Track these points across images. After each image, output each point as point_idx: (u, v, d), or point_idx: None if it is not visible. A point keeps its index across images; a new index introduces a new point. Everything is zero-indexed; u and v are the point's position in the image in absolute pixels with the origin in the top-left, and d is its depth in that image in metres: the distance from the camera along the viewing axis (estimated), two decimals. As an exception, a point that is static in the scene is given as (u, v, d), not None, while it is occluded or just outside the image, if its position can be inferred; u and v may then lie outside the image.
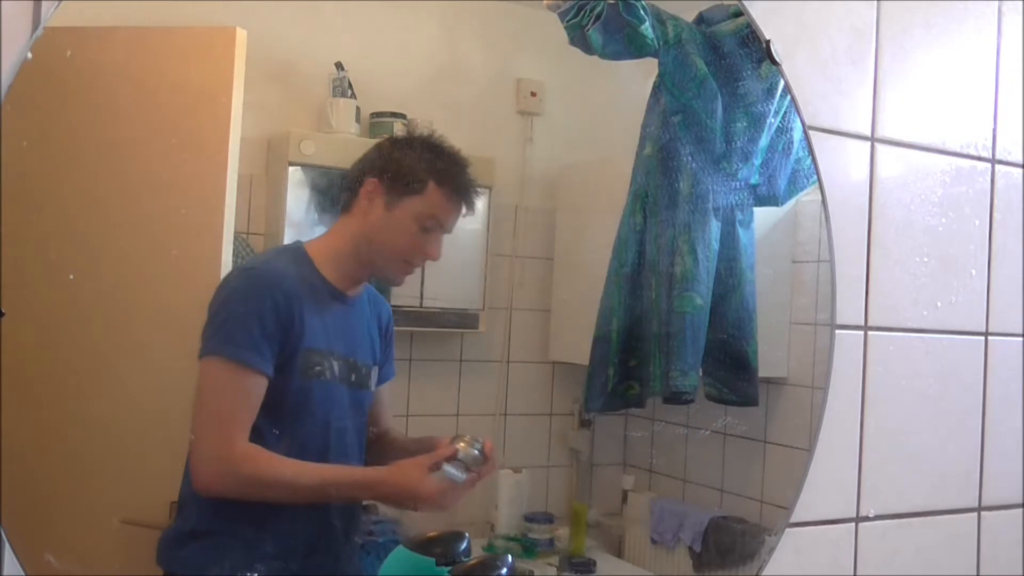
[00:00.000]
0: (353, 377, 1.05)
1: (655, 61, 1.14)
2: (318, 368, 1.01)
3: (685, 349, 1.14)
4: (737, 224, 1.17)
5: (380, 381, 1.08)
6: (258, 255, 1.04)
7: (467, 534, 1.00)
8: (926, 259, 1.19)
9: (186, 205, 0.95)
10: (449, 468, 1.01)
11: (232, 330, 0.96)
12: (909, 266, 1.18)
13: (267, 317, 0.97)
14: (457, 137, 1.10)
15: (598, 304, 1.18)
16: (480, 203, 1.18)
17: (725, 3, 1.14)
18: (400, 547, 0.99)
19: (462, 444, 1.02)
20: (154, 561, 0.93)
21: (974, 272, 1.24)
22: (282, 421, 0.97)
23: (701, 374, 1.17)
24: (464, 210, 1.06)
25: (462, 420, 1.17)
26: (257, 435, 0.95)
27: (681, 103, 1.16)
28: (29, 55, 0.73)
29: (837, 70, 1.13)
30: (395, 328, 1.12)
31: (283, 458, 0.97)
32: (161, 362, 0.97)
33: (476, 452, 1.02)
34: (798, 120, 1.09)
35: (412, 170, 1.04)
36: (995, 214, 1.26)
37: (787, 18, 1.09)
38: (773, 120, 1.15)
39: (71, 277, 0.84)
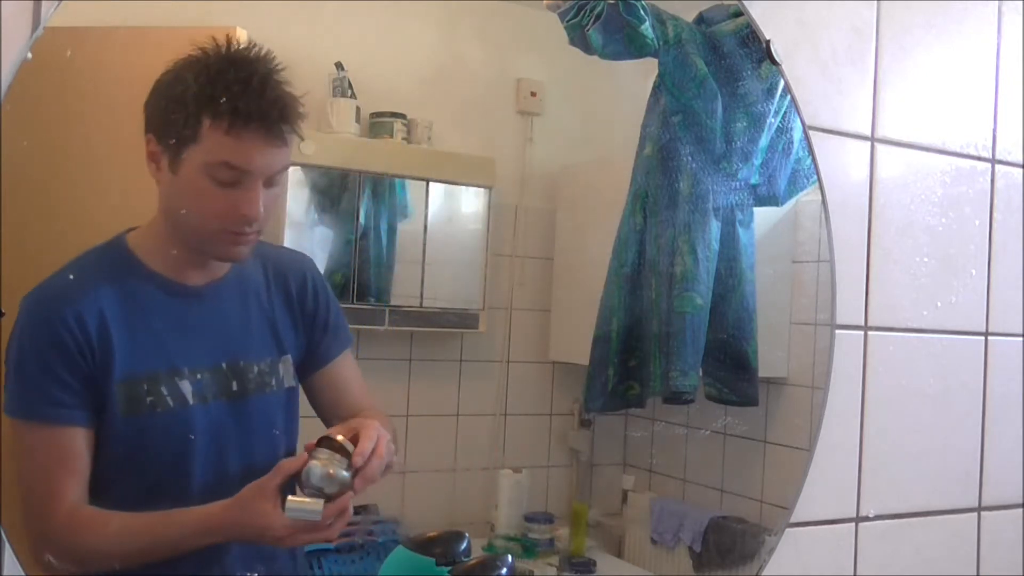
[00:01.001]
0: (235, 385, 0.86)
1: (655, 61, 1.14)
2: (150, 400, 0.80)
3: (685, 349, 1.14)
4: (737, 224, 1.17)
5: (319, 363, 0.91)
6: (63, 267, 0.80)
7: (467, 534, 1.00)
8: (926, 259, 1.19)
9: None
10: (294, 506, 0.77)
11: (24, 379, 0.76)
12: (909, 266, 1.18)
13: (55, 355, 0.77)
14: (457, 137, 1.11)
15: (598, 304, 1.18)
16: (480, 203, 1.18)
17: (725, 3, 1.14)
18: (400, 547, 0.99)
19: (316, 461, 0.79)
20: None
21: (974, 272, 1.24)
22: (122, 468, 0.79)
23: (701, 374, 1.17)
24: (276, 141, 0.81)
25: (462, 420, 1.17)
26: (105, 486, 0.79)
27: (681, 103, 1.16)
28: (29, 55, 0.73)
29: (837, 70, 1.13)
30: (394, 328, 1.11)
31: (112, 515, 0.79)
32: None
33: (337, 473, 0.78)
34: (798, 120, 1.09)
35: (179, 111, 0.79)
36: (995, 214, 1.26)
37: (787, 18, 1.09)
38: (773, 120, 1.15)
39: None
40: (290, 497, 0.78)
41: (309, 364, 0.91)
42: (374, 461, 0.81)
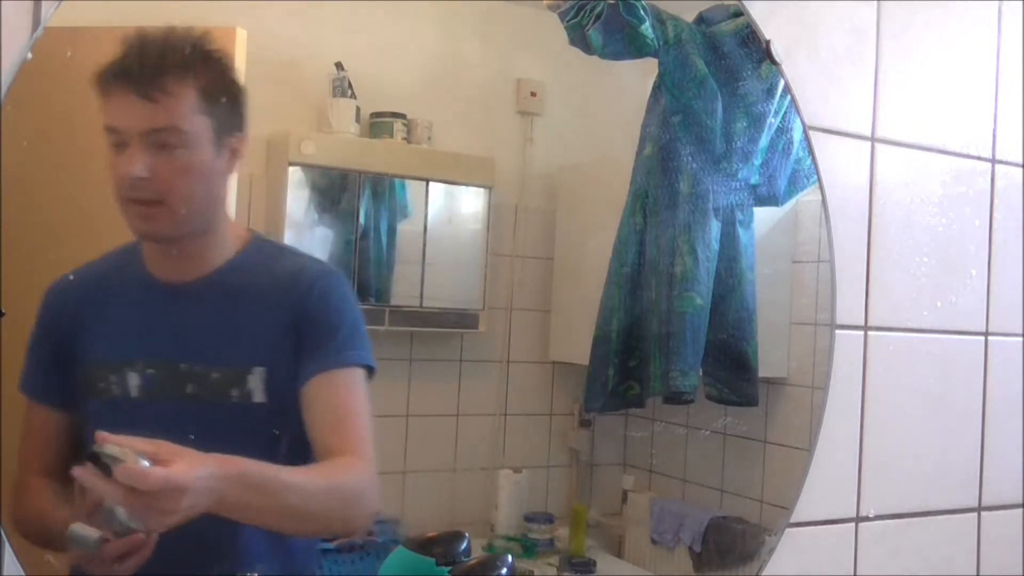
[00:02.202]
0: (190, 388, 0.82)
1: (655, 61, 1.14)
2: (101, 385, 0.80)
3: (685, 349, 1.14)
4: (737, 224, 1.17)
5: (298, 382, 0.84)
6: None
7: (467, 534, 1.00)
8: (926, 259, 1.19)
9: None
10: (76, 531, 0.67)
11: (26, 358, 0.79)
12: (909, 266, 1.18)
13: (44, 337, 0.79)
14: (457, 137, 1.11)
15: (598, 304, 1.18)
16: (480, 203, 1.18)
17: (725, 3, 1.14)
18: (400, 547, 0.99)
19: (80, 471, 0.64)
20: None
21: (974, 272, 1.24)
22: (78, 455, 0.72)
23: (701, 374, 1.17)
24: (147, 97, 0.78)
25: (462, 420, 1.17)
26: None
27: (681, 103, 1.16)
28: (29, 55, 0.73)
29: (837, 70, 1.13)
30: (395, 328, 1.11)
31: (40, 495, 0.77)
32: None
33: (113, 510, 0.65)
34: (798, 120, 1.10)
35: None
36: (995, 214, 1.26)
37: (787, 18, 1.09)
38: (773, 120, 1.15)
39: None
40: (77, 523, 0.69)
41: (294, 383, 0.85)
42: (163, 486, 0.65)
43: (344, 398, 0.87)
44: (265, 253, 0.89)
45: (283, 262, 0.92)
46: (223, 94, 0.84)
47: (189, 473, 0.66)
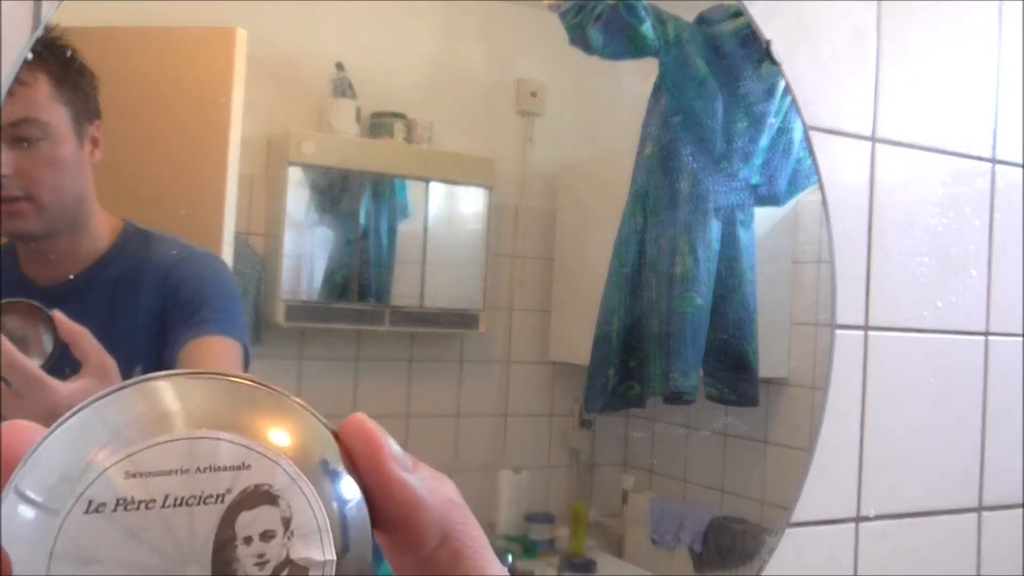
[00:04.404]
0: None
1: (655, 61, 1.14)
2: None
3: (685, 349, 1.14)
4: (738, 224, 1.17)
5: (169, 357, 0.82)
6: None
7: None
8: (926, 259, 1.19)
9: (186, 205, 0.94)
10: None
11: None
12: (909, 266, 1.18)
13: None
14: (457, 137, 1.10)
15: (598, 304, 1.18)
16: (481, 203, 1.18)
17: (725, 3, 1.14)
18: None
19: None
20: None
21: (974, 272, 1.24)
22: None
23: (702, 374, 1.17)
24: None
25: (462, 421, 1.17)
26: None
27: (681, 103, 1.16)
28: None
29: (837, 70, 1.13)
30: (395, 328, 1.11)
31: None
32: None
33: None
34: (798, 120, 1.09)
35: None
36: (995, 214, 1.26)
37: (787, 18, 1.09)
38: (773, 120, 1.15)
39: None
40: None
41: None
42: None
43: (206, 365, 0.84)
44: (137, 244, 0.86)
45: (154, 251, 0.88)
46: (76, 81, 0.82)
47: None
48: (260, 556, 0.25)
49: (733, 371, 1.18)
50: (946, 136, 1.21)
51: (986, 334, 1.25)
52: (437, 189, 1.17)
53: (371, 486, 0.28)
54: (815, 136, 1.11)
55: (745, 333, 1.17)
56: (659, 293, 1.16)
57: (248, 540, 0.25)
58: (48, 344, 0.74)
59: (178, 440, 0.25)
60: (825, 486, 1.11)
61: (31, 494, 0.25)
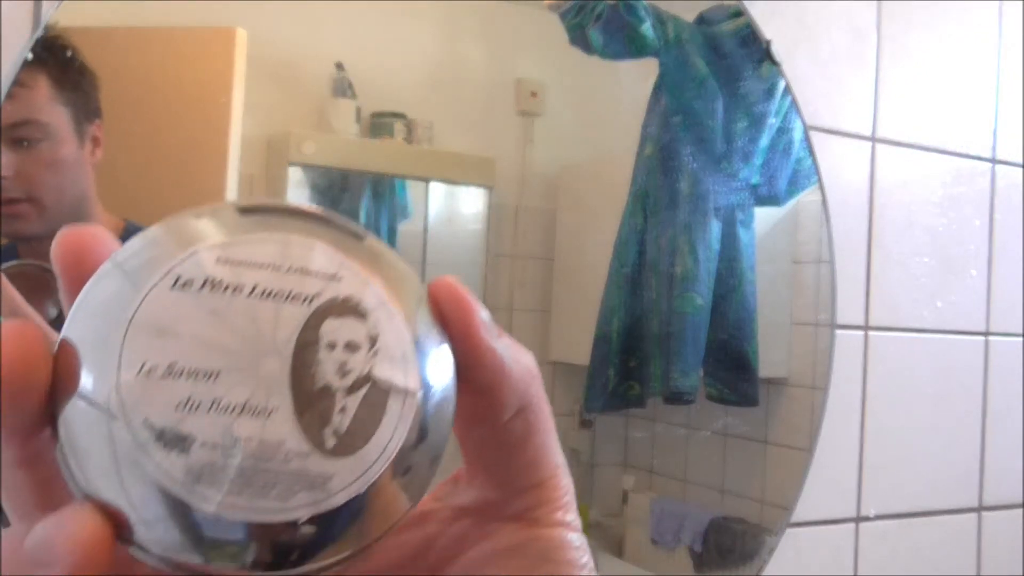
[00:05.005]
0: None
1: (656, 61, 1.14)
2: None
3: (686, 349, 1.14)
4: (738, 224, 1.17)
5: None
6: None
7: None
8: (926, 259, 1.19)
9: (187, 205, 0.94)
10: None
11: None
12: (909, 266, 1.18)
13: None
14: (457, 137, 1.10)
15: (598, 304, 1.18)
16: (481, 203, 1.18)
17: (725, 3, 1.14)
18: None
19: None
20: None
21: (975, 272, 1.24)
22: None
23: (702, 374, 1.17)
24: None
25: (462, 420, 1.16)
26: None
27: (681, 103, 1.16)
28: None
29: (837, 70, 1.13)
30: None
31: None
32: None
33: None
34: (799, 120, 1.09)
35: None
36: (995, 214, 1.26)
37: (787, 18, 1.09)
38: (774, 120, 1.15)
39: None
40: None
41: None
42: None
43: None
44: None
45: None
46: (77, 82, 0.82)
47: None
48: (342, 365, 0.24)
49: (733, 371, 1.18)
50: (946, 136, 1.21)
51: (986, 334, 1.25)
52: (437, 189, 1.17)
53: (459, 349, 0.27)
54: (815, 136, 1.11)
55: (745, 333, 1.18)
56: (659, 293, 1.16)
57: (331, 346, 0.24)
58: (52, 311, 0.74)
59: (274, 238, 0.25)
60: (825, 486, 1.11)
61: (122, 265, 0.24)
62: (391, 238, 1.14)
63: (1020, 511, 1.28)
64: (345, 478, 0.24)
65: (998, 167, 1.26)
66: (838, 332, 1.12)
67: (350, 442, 0.24)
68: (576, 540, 0.30)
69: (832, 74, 1.12)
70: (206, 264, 0.24)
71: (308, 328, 0.24)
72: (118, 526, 0.23)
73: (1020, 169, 1.28)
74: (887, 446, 1.16)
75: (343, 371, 0.24)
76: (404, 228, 1.15)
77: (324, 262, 0.25)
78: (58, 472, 0.24)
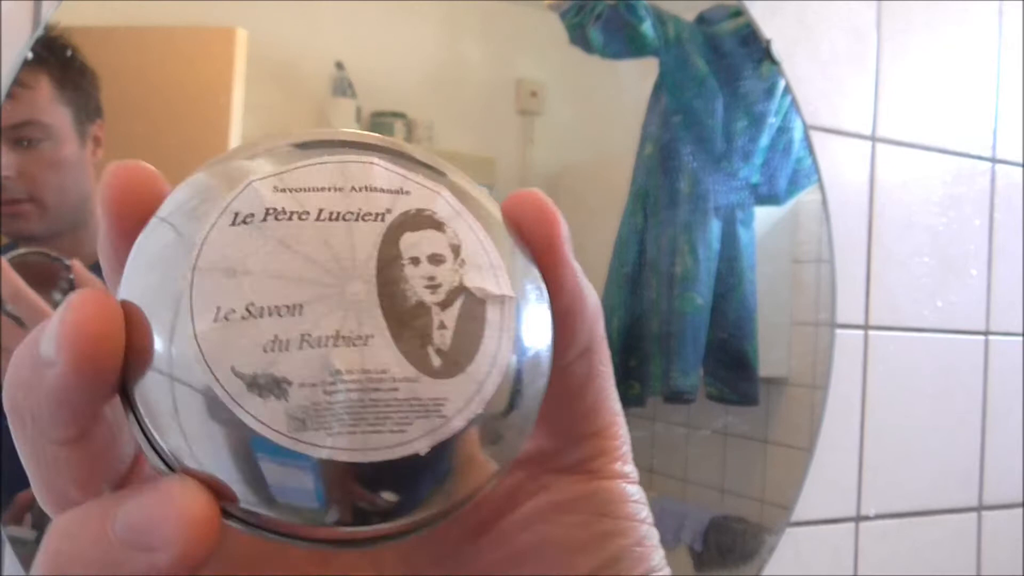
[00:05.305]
0: None
1: (656, 61, 1.14)
2: None
3: (686, 349, 1.14)
4: (738, 223, 1.17)
5: None
6: None
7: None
8: (927, 258, 1.19)
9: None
10: None
11: None
12: (910, 265, 1.18)
13: None
14: (457, 137, 1.10)
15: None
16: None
17: (725, 3, 1.14)
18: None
19: None
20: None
21: (975, 272, 1.24)
22: None
23: (702, 374, 1.17)
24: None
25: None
26: None
27: (681, 103, 1.16)
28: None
29: (837, 69, 1.13)
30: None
31: None
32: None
33: None
34: (799, 119, 1.09)
35: None
36: (996, 214, 1.26)
37: (787, 18, 1.09)
38: (773, 119, 1.15)
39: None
40: None
41: None
42: None
43: None
44: None
45: None
46: (78, 81, 0.82)
47: None
48: (431, 279, 0.22)
49: (733, 370, 1.18)
50: (946, 135, 1.21)
51: (986, 333, 1.25)
52: (437, 189, 1.17)
53: (540, 264, 0.25)
54: (815, 135, 1.11)
55: (745, 332, 1.18)
56: (659, 293, 1.16)
57: (415, 260, 0.22)
58: (58, 296, 0.75)
59: (328, 162, 0.23)
60: (825, 485, 1.11)
61: (170, 218, 0.22)
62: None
63: (1020, 510, 1.28)
64: (459, 400, 0.21)
65: (998, 166, 1.26)
66: (838, 331, 1.12)
67: (457, 359, 0.22)
68: (635, 493, 0.29)
69: (832, 73, 1.13)
70: (264, 194, 0.22)
71: (387, 245, 0.22)
72: (220, 497, 0.21)
73: (1020, 169, 1.28)
74: (887, 445, 1.16)
75: (433, 285, 0.22)
76: (404, 228, 1.15)
77: (387, 178, 0.23)
78: (105, 450, 0.22)
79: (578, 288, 0.25)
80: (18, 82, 0.78)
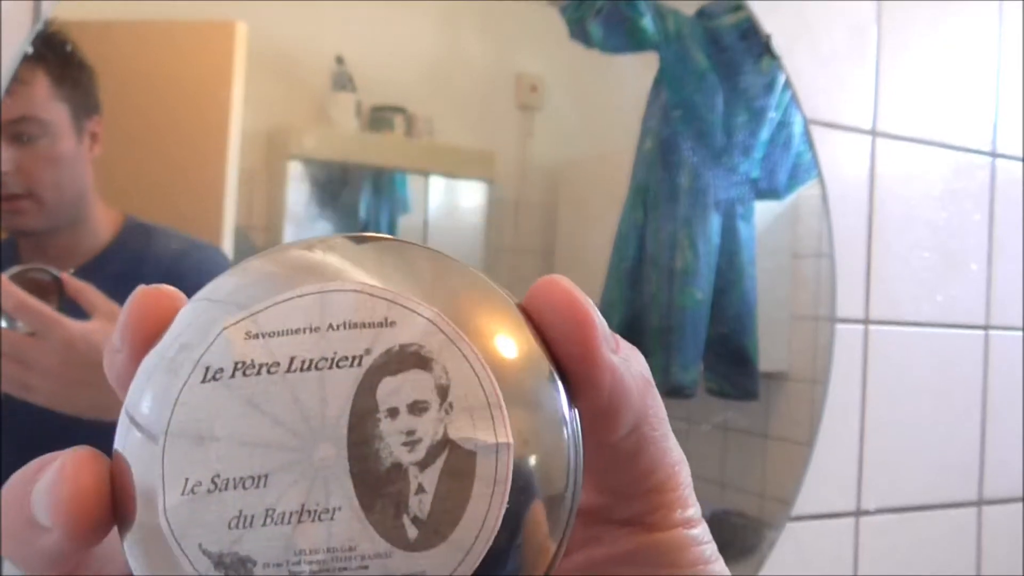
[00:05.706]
0: None
1: (656, 55, 1.14)
2: None
3: (686, 344, 1.14)
4: (738, 218, 1.17)
5: None
6: None
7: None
8: (926, 253, 1.19)
9: (186, 199, 0.95)
10: None
11: None
12: (910, 260, 1.18)
13: None
14: (457, 131, 1.10)
15: (598, 299, 1.18)
16: (481, 197, 1.18)
17: (726, -3, 1.14)
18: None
19: None
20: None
21: (974, 266, 1.24)
22: None
23: (702, 369, 1.17)
24: None
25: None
26: None
27: (682, 97, 1.16)
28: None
29: (838, 64, 1.13)
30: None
31: None
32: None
33: None
34: (799, 114, 1.09)
35: None
36: (996, 208, 1.26)
37: (787, 12, 1.09)
38: (774, 114, 1.15)
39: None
40: None
41: None
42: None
43: None
44: (138, 237, 0.87)
45: (155, 244, 0.89)
46: (76, 77, 0.83)
47: None
48: (410, 433, 0.20)
49: (733, 365, 1.18)
50: (946, 130, 1.21)
51: (986, 328, 1.25)
52: (437, 183, 1.17)
53: (571, 369, 0.22)
54: (815, 130, 1.11)
55: (745, 327, 1.18)
56: (659, 288, 1.16)
57: (393, 412, 0.20)
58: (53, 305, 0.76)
59: (307, 295, 0.21)
60: (825, 480, 1.11)
61: (150, 369, 0.21)
62: (391, 232, 1.14)
63: (1020, 505, 1.28)
64: (441, 571, 0.19)
65: (998, 161, 1.26)
66: (838, 326, 1.12)
67: (437, 528, 0.19)
68: (699, 535, 0.27)
69: (832, 68, 1.12)
70: (235, 344, 0.20)
71: (362, 395, 0.20)
72: None
73: (1020, 163, 1.28)
74: (887, 440, 1.16)
75: (412, 441, 0.20)
76: (404, 222, 1.15)
77: (371, 308, 0.21)
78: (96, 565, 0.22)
79: (619, 387, 0.23)
80: (16, 78, 0.78)
